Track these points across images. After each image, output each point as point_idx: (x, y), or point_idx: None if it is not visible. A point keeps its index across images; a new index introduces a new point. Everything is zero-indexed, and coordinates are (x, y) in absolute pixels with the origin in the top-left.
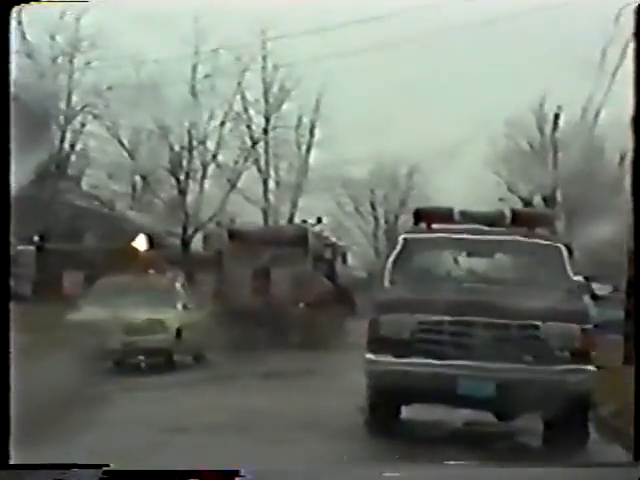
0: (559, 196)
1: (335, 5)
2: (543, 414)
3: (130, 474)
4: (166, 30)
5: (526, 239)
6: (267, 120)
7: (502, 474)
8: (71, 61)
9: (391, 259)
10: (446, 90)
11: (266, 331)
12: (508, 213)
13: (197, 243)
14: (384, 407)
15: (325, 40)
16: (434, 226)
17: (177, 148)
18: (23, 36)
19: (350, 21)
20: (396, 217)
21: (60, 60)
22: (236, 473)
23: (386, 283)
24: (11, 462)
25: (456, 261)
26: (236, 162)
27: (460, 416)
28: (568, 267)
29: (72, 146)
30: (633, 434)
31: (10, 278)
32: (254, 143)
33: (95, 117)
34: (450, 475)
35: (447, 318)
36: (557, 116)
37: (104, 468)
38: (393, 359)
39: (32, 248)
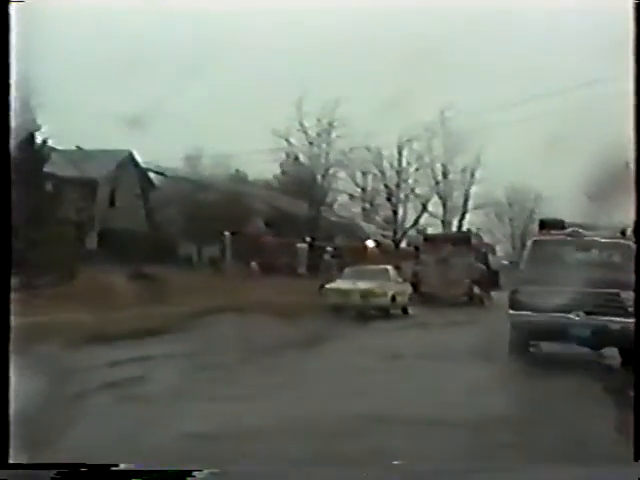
0: None
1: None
2: (619, 348)
3: (82, 473)
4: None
5: (611, 240)
6: (444, 167)
7: (499, 471)
8: (329, 133)
9: (526, 252)
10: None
11: (446, 295)
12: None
13: (403, 243)
14: (520, 343)
15: (484, 96)
16: (552, 232)
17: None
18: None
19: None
20: (525, 226)
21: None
22: (188, 473)
23: (522, 267)
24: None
25: (568, 253)
26: (425, 193)
27: (568, 348)
28: (632, 255)
29: (329, 184)
30: (633, 434)
31: (10, 277)
32: (437, 183)
33: (341, 167)
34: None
35: (565, 288)
36: None
37: (112, 468)
38: (527, 313)
39: (305, 245)
